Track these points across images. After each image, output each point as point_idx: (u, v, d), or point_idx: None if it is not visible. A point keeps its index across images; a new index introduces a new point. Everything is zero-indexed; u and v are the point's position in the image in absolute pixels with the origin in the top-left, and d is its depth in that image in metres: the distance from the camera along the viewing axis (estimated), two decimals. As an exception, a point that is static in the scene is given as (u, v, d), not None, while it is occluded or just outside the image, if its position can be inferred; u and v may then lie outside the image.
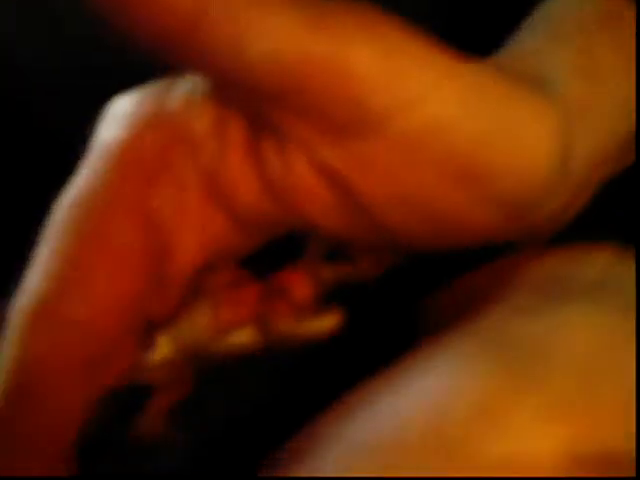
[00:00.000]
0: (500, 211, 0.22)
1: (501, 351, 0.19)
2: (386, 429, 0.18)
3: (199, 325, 0.22)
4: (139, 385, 0.23)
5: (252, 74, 0.20)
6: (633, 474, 0.17)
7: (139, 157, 0.22)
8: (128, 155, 0.22)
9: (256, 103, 0.21)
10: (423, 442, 0.18)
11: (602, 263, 0.21)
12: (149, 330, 0.22)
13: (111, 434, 0.23)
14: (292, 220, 0.22)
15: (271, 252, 0.24)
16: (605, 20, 0.23)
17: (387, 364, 0.22)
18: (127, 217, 0.22)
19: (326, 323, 0.22)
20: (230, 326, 0.22)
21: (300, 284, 0.22)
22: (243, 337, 0.22)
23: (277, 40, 0.19)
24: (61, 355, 0.21)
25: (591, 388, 0.18)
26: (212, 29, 0.19)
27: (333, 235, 0.23)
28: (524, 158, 0.21)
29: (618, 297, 0.20)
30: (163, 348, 0.22)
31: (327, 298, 0.23)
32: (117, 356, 0.22)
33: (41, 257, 0.21)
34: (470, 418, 0.18)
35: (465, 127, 0.20)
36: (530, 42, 0.23)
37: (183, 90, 0.23)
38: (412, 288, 0.24)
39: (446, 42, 0.21)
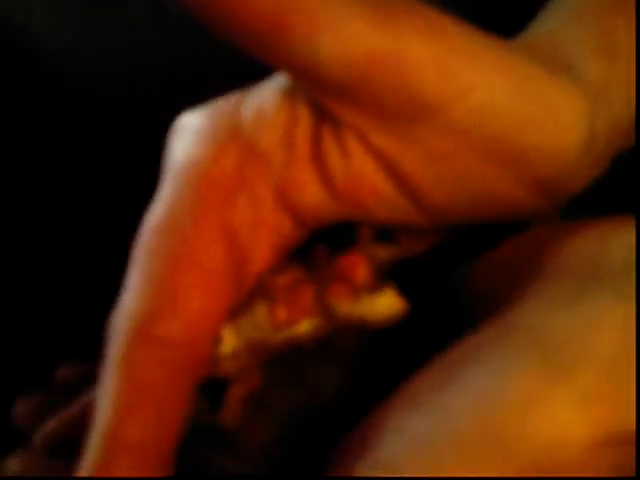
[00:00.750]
0: (537, 187, 0.24)
1: (539, 347, 0.20)
2: (441, 423, 0.20)
3: (258, 321, 0.24)
4: (216, 378, 0.24)
5: (323, 70, 0.22)
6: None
7: (218, 178, 0.23)
8: (207, 177, 0.23)
9: (323, 96, 0.23)
10: (475, 433, 0.20)
11: (627, 245, 0.22)
12: None
13: (197, 426, 0.24)
14: (351, 213, 0.24)
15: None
16: (620, 2, 0.25)
17: (437, 334, 0.23)
18: (211, 236, 0.23)
19: (384, 300, 0.24)
20: (286, 325, 0.24)
21: (360, 267, 0.24)
22: (303, 328, 0.24)
23: (346, 41, 0.21)
24: (162, 371, 0.22)
25: (618, 375, 0.20)
26: (291, 31, 0.21)
27: (385, 221, 0.24)
28: (560, 138, 0.23)
29: None
30: (229, 341, 0.24)
31: (381, 277, 0.24)
32: (206, 359, 0.23)
33: (134, 280, 0.23)
34: (515, 409, 0.20)
35: (510, 113, 0.22)
36: (550, 25, 0.25)
37: (252, 104, 0.24)
38: (451, 260, 0.26)
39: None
